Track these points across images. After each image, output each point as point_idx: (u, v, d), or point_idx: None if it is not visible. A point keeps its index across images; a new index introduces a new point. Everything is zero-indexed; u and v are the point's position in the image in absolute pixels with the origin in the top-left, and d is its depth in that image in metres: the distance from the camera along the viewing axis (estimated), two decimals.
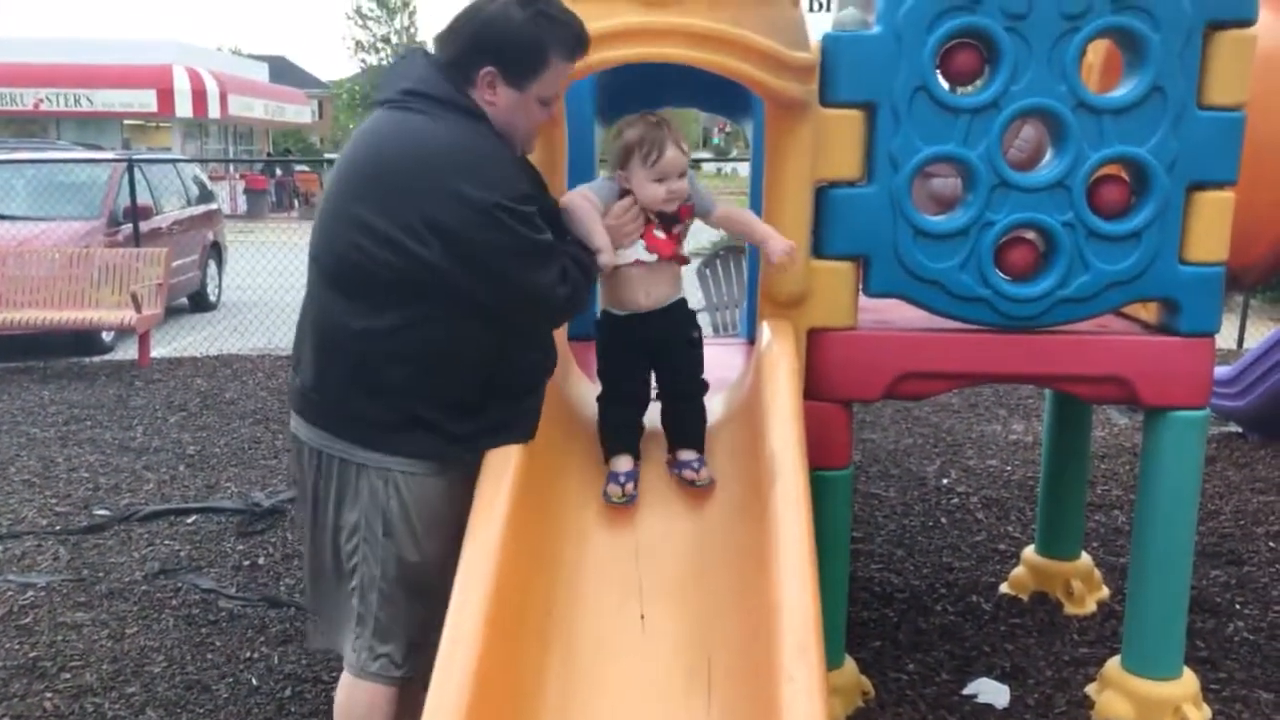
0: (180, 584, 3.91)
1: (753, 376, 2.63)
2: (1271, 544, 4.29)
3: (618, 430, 2.50)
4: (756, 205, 3.12)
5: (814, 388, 2.74)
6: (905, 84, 2.56)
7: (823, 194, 2.69)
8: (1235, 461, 5.45)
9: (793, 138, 2.59)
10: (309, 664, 3.29)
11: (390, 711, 2.26)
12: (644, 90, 3.64)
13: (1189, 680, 2.93)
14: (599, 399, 2.54)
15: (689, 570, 2.29)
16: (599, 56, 2.31)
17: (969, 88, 2.70)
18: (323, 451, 2.22)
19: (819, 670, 1.73)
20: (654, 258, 2.42)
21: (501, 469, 2.17)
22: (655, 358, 2.51)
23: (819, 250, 2.71)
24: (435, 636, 1.91)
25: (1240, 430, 5.92)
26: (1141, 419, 2.98)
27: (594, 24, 2.21)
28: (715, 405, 2.63)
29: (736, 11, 2.36)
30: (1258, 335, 8.15)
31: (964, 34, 2.58)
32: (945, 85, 2.65)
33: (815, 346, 2.75)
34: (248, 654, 3.38)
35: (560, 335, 2.62)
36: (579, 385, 2.76)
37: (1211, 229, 2.66)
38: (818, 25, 2.67)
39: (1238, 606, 3.70)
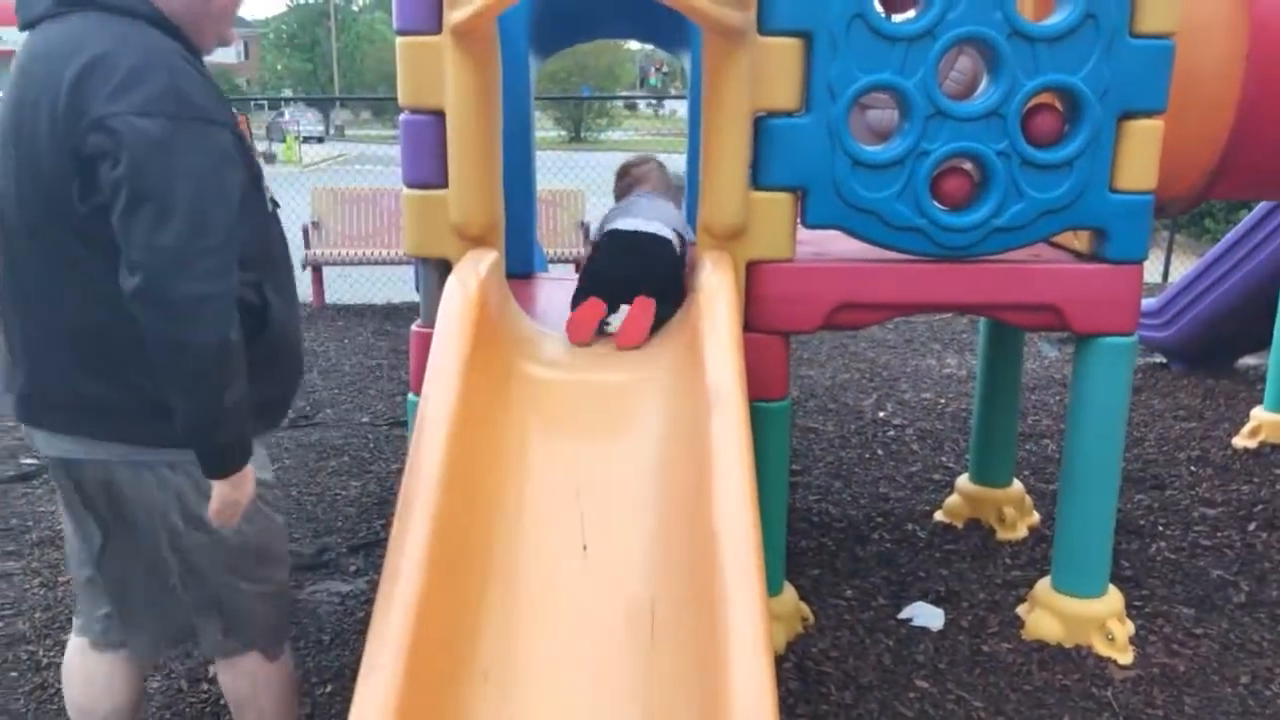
0: None
1: (692, 309, 2.63)
2: (1192, 469, 4.44)
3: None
4: (695, 141, 3.09)
5: (753, 320, 2.75)
6: (842, 11, 2.53)
7: (761, 124, 2.67)
8: (1159, 391, 5.61)
9: (731, 67, 2.55)
10: None
11: (274, 670, 2.16)
12: (581, 22, 3.58)
13: (1114, 597, 3.03)
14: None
15: (630, 502, 2.29)
16: None
17: (905, 15, 2.68)
18: (81, 460, 1.91)
19: (760, 597, 1.75)
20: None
21: (439, 409, 2.14)
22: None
23: (757, 181, 2.69)
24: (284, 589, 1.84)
25: (1164, 360, 6.09)
26: (1070, 352, 3.04)
27: None
28: (655, 338, 2.62)
29: None
30: (1182, 269, 8.35)
31: None
32: (882, 13, 2.63)
33: (754, 279, 2.75)
34: None
35: (499, 271, 2.59)
36: (518, 322, 2.73)
37: (1141, 158, 2.69)
38: None
39: (1160, 528, 3.83)
